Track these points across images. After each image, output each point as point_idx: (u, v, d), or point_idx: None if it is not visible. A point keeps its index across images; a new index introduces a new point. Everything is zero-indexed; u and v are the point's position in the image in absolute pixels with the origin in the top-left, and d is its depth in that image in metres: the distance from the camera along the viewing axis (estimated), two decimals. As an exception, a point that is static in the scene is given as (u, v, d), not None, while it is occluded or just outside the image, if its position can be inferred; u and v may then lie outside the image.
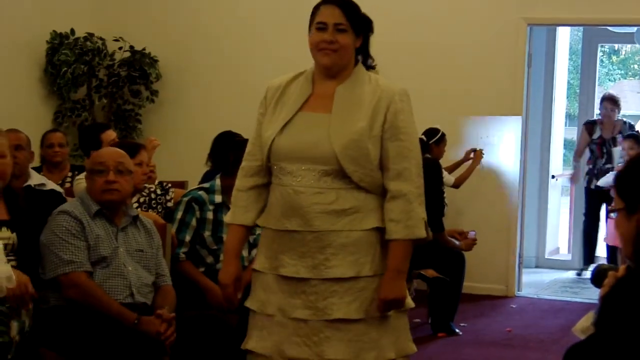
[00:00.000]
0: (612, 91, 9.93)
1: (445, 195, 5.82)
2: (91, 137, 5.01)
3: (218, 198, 4.01)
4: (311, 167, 2.68)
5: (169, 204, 4.52)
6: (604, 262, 7.09)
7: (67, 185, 4.91)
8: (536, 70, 7.54)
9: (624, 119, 7.74)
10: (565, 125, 9.20)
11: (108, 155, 3.49)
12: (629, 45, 13.87)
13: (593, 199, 7.64)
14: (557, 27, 8.10)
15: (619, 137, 7.40)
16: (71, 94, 6.99)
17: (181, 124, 7.34)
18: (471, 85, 6.77)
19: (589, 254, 7.82)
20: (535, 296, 7.00)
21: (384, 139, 2.70)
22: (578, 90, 9.39)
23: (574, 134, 8.34)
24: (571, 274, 7.86)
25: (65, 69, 6.73)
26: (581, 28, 8.78)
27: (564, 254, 8.81)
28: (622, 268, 1.97)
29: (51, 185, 4.42)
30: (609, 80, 15.53)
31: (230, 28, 7.27)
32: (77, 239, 3.29)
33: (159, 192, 4.57)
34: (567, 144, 9.16)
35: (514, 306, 6.59)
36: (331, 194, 2.67)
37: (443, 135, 6.19)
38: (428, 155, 5.80)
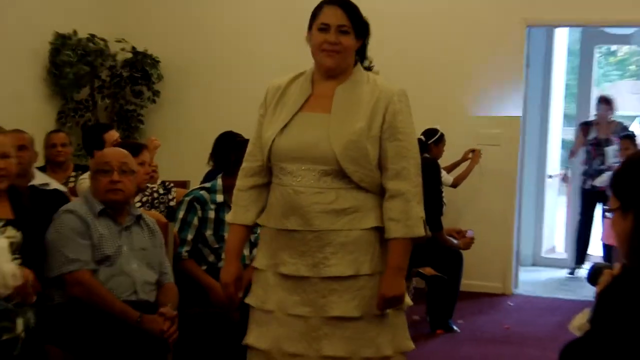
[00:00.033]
0: (609, 92, 9.92)
1: (443, 194, 5.82)
2: (94, 137, 5.03)
3: (220, 197, 4.03)
4: (311, 167, 2.69)
5: (171, 204, 4.53)
6: (598, 260, 7.10)
7: (71, 184, 4.92)
8: (534, 71, 7.55)
9: (618, 120, 7.74)
10: (563, 126, 9.19)
11: (112, 156, 3.50)
12: (626, 47, 13.84)
13: (587, 199, 7.65)
14: (555, 29, 8.11)
15: (614, 138, 7.42)
16: (74, 95, 7.00)
17: (183, 124, 7.35)
18: (470, 86, 6.78)
19: (581, 253, 7.83)
20: (532, 294, 7.01)
21: (382, 139, 2.70)
22: (575, 91, 9.39)
23: (571, 134, 8.34)
24: (567, 271, 7.86)
25: (68, 69, 6.73)
26: (579, 29, 8.78)
27: (560, 252, 8.82)
28: (617, 266, 1.99)
29: (55, 184, 4.43)
30: (606, 81, 15.51)
31: (230, 29, 7.28)
32: (82, 238, 3.30)
33: (161, 191, 4.59)
34: (564, 144, 9.16)
35: (511, 304, 6.60)
36: (331, 193, 2.68)
37: (442, 135, 6.20)
38: (427, 155, 5.80)
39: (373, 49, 2.95)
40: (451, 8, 6.81)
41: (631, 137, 7.23)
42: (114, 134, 5.08)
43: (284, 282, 2.73)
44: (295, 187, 2.69)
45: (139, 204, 4.33)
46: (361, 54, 2.82)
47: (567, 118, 9.52)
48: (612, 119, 7.59)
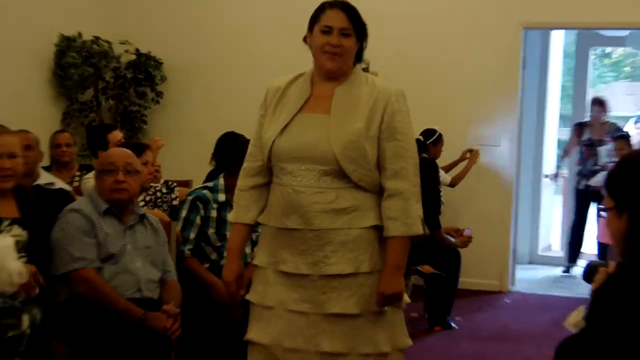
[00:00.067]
0: (604, 93, 9.93)
1: (441, 194, 5.82)
2: (98, 138, 5.03)
3: (222, 197, 4.03)
4: (311, 167, 2.69)
5: (174, 203, 4.53)
6: (593, 259, 7.11)
7: (76, 184, 4.92)
8: (530, 72, 7.55)
9: (612, 121, 7.74)
10: (559, 126, 9.20)
11: (117, 156, 3.50)
12: (620, 49, 13.86)
13: (581, 199, 7.66)
14: (551, 31, 8.11)
15: (607, 138, 7.42)
16: (79, 96, 6.99)
17: (185, 124, 7.35)
18: (467, 87, 6.78)
19: (574, 252, 7.83)
20: (529, 291, 7.01)
21: (381, 139, 2.70)
22: (571, 92, 9.39)
23: (567, 134, 8.33)
24: (561, 269, 7.86)
25: (73, 71, 6.73)
26: (574, 32, 8.78)
27: (557, 250, 8.82)
28: (612, 265, 1.99)
29: (60, 184, 4.43)
30: (601, 82, 15.51)
31: (232, 31, 7.28)
32: (87, 236, 3.31)
33: (164, 190, 4.59)
34: (560, 144, 9.15)
35: (508, 301, 6.60)
36: (331, 193, 2.68)
37: (440, 135, 6.20)
38: (425, 155, 5.81)
39: (372, 50, 2.95)
40: (450, 10, 6.81)
41: (626, 137, 7.24)
42: (117, 135, 5.08)
43: (284, 279, 2.73)
44: (295, 187, 2.69)
45: (142, 203, 4.33)
46: (358, 56, 2.82)
47: (563, 119, 9.53)
48: (605, 120, 7.59)
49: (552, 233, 9.11)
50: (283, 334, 2.71)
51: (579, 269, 7.56)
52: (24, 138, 3.91)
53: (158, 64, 7.25)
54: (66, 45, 6.79)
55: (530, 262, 8.37)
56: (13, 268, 2.86)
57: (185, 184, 5.16)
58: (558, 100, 9.06)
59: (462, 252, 5.72)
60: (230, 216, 2.92)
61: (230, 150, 4.12)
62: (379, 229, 2.72)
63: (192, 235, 3.97)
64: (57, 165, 5.23)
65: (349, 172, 2.66)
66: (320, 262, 2.68)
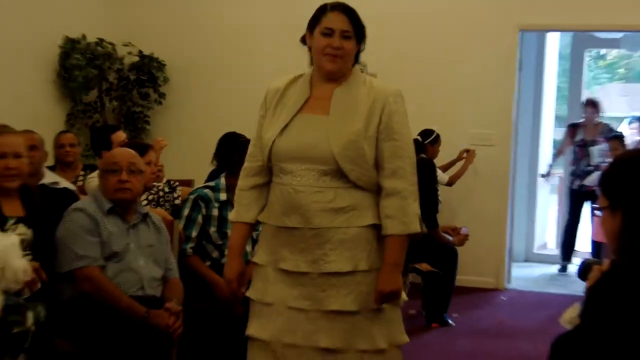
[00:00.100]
0: (599, 94, 9.93)
1: (439, 193, 5.83)
2: (102, 138, 5.03)
3: (223, 196, 4.03)
4: (310, 167, 2.68)
5: (177, 202, 4.53)
6: (587, 257, 7.11)
7: (80, 183, 4.92)
8: (527, 74, 7.55)
9: (605, 122, 7.74)
10: (554, 127, 9.20)
11: (121, 156, 3.51)
12: (614, 51, 13.85)
13: (575, 198, 7.66)
14: (547, 33, 8.10)
15: (600, 139, 7.42)
16: (83, 97, 7.00)
17: (187, 125, 7.35)
18: (464, 88, 6.78)
19: (567, 250, 7.83)
20: (524, 289, 7.01)
21: (379, 139, 2.70)
22: (566, 93, 9.39)
23: (562, 135, 8.34)
24: (557, 268, 7.86)
25: (77, 72, 6.73)
26: (570, 34, 8.79)
27: (552, 248, 8.82)
28: (606, 262, 1.99)
29: (64, 183, 4.43)
30: (596, 83, 15.51)
31: (233, 34, 7.28)
32: (91, 235, 3.31)
33: (166, 190, 4.59)
34: (556, 144, 9.16)
35: (504, 298, 6.60)
36: (330, 192, 2.68)
37: (438, 135, 6.21)
38: (423, 155, 5.81)
39: (371, 51, 2.95)
40: (447, 13, 6.81)
41: (620, 137, 7.24)
42: (121, 135, 5.09)
43: (284, 277, 2.73)
44: (295, 187, 2.69)
45: (145, 202, 4.33)
46: (355, 58, 2.82)
47: (559, 119, 9.52)
48: (599, 121, 7.59)
49: (547, 231, 9.11)
50: (283, 330, 2.71)
51: (573, 267, 7.55)
52: (29, 138, 3.90)
53: (161, 65, 7.25)
54: (70, 47, 6.79)
55: (526, 260, 8.37)
56: (18, 266, 2.85)
57: (187, 183, 5.16)
58: (553, 101, 9.05)
59: (459, 250, 5.72)
60: (231, 215, 2.92)
61: (231, 150, 4.12)
62: (377, 227, 2.72)
63: (194, 234, 3.97)
64: (61, 165, 5.23)
65: (347, 172, 2.66)
66: (320, 260, 2.68)
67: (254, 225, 2.90)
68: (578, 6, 6.58)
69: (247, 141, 3.03)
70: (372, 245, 2.72)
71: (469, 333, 5.43)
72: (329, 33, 2.70)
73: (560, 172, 8.44)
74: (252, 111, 2.88)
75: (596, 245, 7.26)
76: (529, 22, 6.74)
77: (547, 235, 9.08)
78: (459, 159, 6.69)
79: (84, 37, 6.90)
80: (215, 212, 4.01)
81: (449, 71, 6.80)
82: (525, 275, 7.58)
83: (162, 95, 7.30)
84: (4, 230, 3.03)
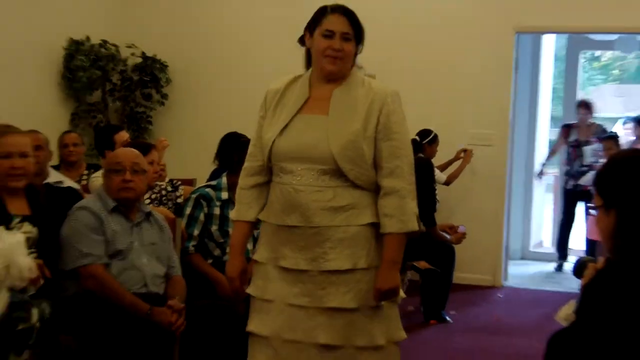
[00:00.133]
0: (594, 95, 9.94)
1: (437, 192, 5.83)
2: (105, 138, 5.03)
3: (224, 195, 4.02)
4: (310, 166, 2.68)
5: (179, 200, 4.53)
6: (582, 255, 7.11)
7: (84, 182, 4.92)
8: (523, 75, 7.55)
9: (598, 123, 7.74)
10: (550, 127, 9.20)
11: (124, 156, 3.51)
12: (609, 52, 13.86)
13: (569, 198, 7.67)
14: (543, 35, 8.10)
15: (593, 139, 7.43)
16: (87, 97, 7.00)
17: (189, 125, 7.35)
18: (462, 89, 6.78)
19: (562, 249, 7.83)
20: (521, 286, 7.01)
21: (377, 139, 2.70)
22: (562, 94, 9.40)
23: (557, 135, 8.34)
24: (554, 266, 7.86)
25: (81, 73, 6.73)
26: (565, 36, 8.79)
27: (548, 247, 8.83)
28: (601, 260, 1.99)
29: (69, 182, 4.43)
30: (591, 84, 15.52)
31: (234, 36, 7.28)
32: (96, 233, 3.31)
33: (169, 189, 4.58)
34: (551, 144, 9.17)
35: (500, 295, 6.60)
36: (329, 191, 2.68)
37: (435, 135, 6.21)
38: (421, 155, 5.81)
39: (370, 53, 2.94)
40: (446, 15, 6.81)
41: (614, 138, 7.24)
42: (124, 135, 5.08)
43: (285, 275, 2.73)
44: (295, 186, 2.69)
45: (148, 201, 4.33)
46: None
47: (554, 120, 9.53)
48: (591, 121, 7.59)
49: (543, 230, 9.11)
50: (283, 327, 2.71)
51: (569, 264, 7.56)
52: (34, 138, 3.90)
53: (163, 66, 7.25)
54: (75, 49, 6.79)
55: (522, 258, 8.38)
56: (23, 263, 2.86)
57: (189, 182, 5.16)
58: (549, 102, 9.06)
59: (457, 248, 5.72)
60: (232, 214, 2.92)
61: (232, 150, 4.12)
62: (375, 226, 2.72)
63: (196, 232, 3.97)
64: (65, 165, 5.23)
65: (346, 171, 2.66)
66: (320, 258, 2.68)
67: (255, 224, 2.89)
68: (573, 9, 6.58)
69: (248, 141, 3.02)
70: (370, 244, 2.72)
71: (466, 330, 5.43)
72: (329, 35, 2.70)
73: (555, 171, 8.45)
74: (253, 111, 2.88)
75: (590, 244, 7.27)
76: (525, 24, 6.74)
77: (543, 234, 9.08)
78: (456, 158, 6.69)
79: (88, 39, 6.90)
80: (216, 210, 4.01)
81: (446, 72, 6.80)
82: (521, 273, 7.58)
83: (165, 96, 7.30)
84: (9, 228, 3.03)
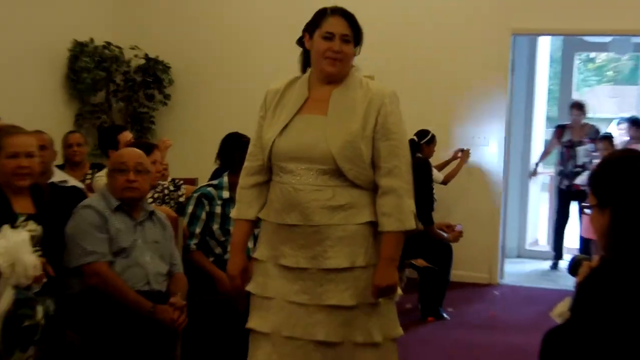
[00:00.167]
0: (588, 96, 9.93)
1: (434, 191, 5.83)
2: (109, 138, 5.03)
3: (226, 194, 4.03)
4: (310, 166, 2.68)
5: (181, 199, 4.53)
6: (577, 253, 7.11)
7: (88, 181, 4.92)
8: (519, 76, 7.55)
9: (592, 123, 7.74)
10: (546, 127, 9.19)
11: (128, 156, 3.51)
12: (603, 54, 13.86)
13: (563, 197, 7.67)
14: (538, 37, 8.10)
15: (586, 140, 7.42)
16: (91, 98, 7.00)
17: (191, 125, 7.35)
18: (459, 90, 6.78)
19: (558, 247, 7.83)
20: (517, 284, 7.00)
21: (375, 139, 2.70)
22: (557, 95, 9.39)
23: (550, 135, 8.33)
24: (549, 264, 7.86)
25: (85, 75, 6.73)
26: (560, 38, 8.79)
27: (543, 245, 8.82)
28: (596, 259, 1.99)
29: (73, 181, 4.43)
30: (586, 86, 15.51)
31: (235, 38, 7.28)
32: (100, 232, 3.31)
33: (171, 188, 4.58)
34: (547, 145, 9.17)
35: (496, 293, 6.60)
36: (328, 191, 2.68)
37: (433, 136, 6.21)
38: (419, 155, 5.81)
39: (369, 55, 2.94)
40: (444, 18, 6.81)
41: (609, 138, 7.25)
42: (127, 135, 5.08)
43: (285, 272, 2.73)
44: (295, 185, 2.69)
45: (150, 200, 4.33)
46: None
47: (550, 120, 9.53)
48: (584, 122, 7.58)
49: (539, 228, 9.11)
50: (282, 324, 2.71)
51: (564, 262, 7.56)
52: (39, 138, 3.90)
53: (166, 68, 7.25)
54: (79, 51, 6.80)
55: (518, 256, 8.37)
56: (28, 261, 2.86)
57: (191, 181, 5.16)
58: (545, 103, 9.05)
59: (454, 246, 5.72)
60: (233, 213, 2.91)
61: (233, 150, 4.12)
62: (373, 224, 2.72)
63: (197, 230, 3.97)
64: (70, 164, 5.23)
65: (345, 171, 2.66)
66: (319, 256, 2.68)
67: (256, 222, 2.89)
68: (568, 11, 6.59)
69: (249, 141, 3.03)
70: (369, 242, 2.72)
71: (463, 326, 5.44)
72: (329, 37, 2.70)
73: (551, 171, 8.44)
74: (254, 112, 2.88)
75: (584, 242, 7.28)
76: (521, 27, 6.74)
77: (539, 232, 9.08)
78: (453, 158, 6.69)
79: (92, 40, 6.90)
80: (218, 209, 4.01)
81: (444, 73, 6.80)
82: (517, 271, 7.58)
83: (167, 97, 7.30)
84: (14, 227, 3.03)
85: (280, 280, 2.73)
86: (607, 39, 8.51)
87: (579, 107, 7.54)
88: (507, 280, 7.06)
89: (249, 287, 2.83)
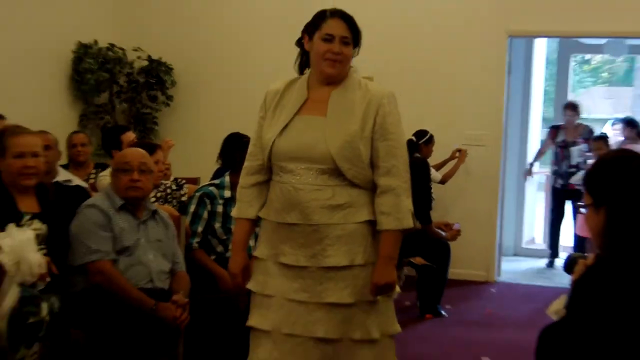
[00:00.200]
0: (584, 97, 9.93)
1: (432, 190, 5.83)
2: (112, 138, 5.03)
3: (227, 193, 4.03)
4: (309, 166, 2.68)
5: (183, 199, 4.53)
6: (571, 251, 7.11)
7: (91, 181, 4.92)
8: (515, 78, 7.55)
9: (585, 124, 7.74)
10: (542, 128, 9.20)
11: (132, 156, 3.51)
12: (598, 56, 13.86)
13: (558, 197, 7.67)
14: (535, 39, 8.10)
15: (580, 140, 7.43)
16: (95, 99, 7.00)
17: (193, 126, 7.35)
18: (457, 92, 6.78)
19: (554, 245, 7.83)
20: (513, 281, 7.00)
21: (374, 139, 2.70)
22: (553, 96, 9.39)
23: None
24: (545, 262, 7.86)
25: (89, 76, 6.73)
26: (556, 40, 8.79)
27: (539, 243, 8.83)
28: (591, 257, 1.99)
29: (77, 181, 4.43)
30: (581, 87, 15.52)
31: (237, 41, 7.28)
32: (104, 230, 3.31)
33: (174, 187, 4.59)
34: (542, 144, 9.17)
35: (493, 290, 6.60)
36: (328, 190, 2.68)
37: (431, 136, 6.21)
38: (417, 155, 5.81)
39: (368, 57, 2.94)
40: (442, 20, 6.80)
41: (604, 138, 7.25)
42: (130, 135, 5.08)
43: (285, 271, 2.72)
44: (294, 185, 2.69)
45: (153, 199, 4.33)
46: None
47: (546, 121, 9.53)
48: (578, 122, 7.58)
49: (535, 227, 9.11)
50: (283, 321, 2.70)
51: (560, 260, 7.56)
52: (44, 138, 3.90)
53: (168, 69, 7.25)
54: (83, 52, 6.79)
55: (515, 254, 8.37)
56: (33, 260, 2.86)
57: (194, 181, 5.16)
58: (541, 104, 9.05)
59: (452, 244, 5.72)
60: (234, 212, 2.91)
61: (235, 150, 4.12)
62: (372, 223, 2.72)
63: (199, 229, 3.97)
64: (74, 164, 5.23)
65: (344, 171, 2.66)
66: (319, 255, 2.68)
67: (256, 221, 2.89)
68: (564, 14, 6.59)
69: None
70: (367, 241, 2.72)
71: (461, 323, 5.43)
72: (329, 39, 2.70)
73: (546, 170, 8.44)
74: (255, 112, 2.88)
75: (578, 240, 7.29)
76: (518, 29, 6.74)
77: (535, 231, 9.08)
78: (451, 158, 6.69)
79: (95, 42, 6.90)
80: (220, 208, 4.01)
81: (442, 75, 6.80)
82: (514, 269, 7.58)
83: (170, 98, 7.30)
84: (20, 225, 3.03)
85: (280, 278, 2.73)
86: (602, 41, 8.51)
87: (572, 107, 7.55)
88: (504, 278, 7.06)
89: (250, 285, 2.83)
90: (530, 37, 7.70)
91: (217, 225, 3.99)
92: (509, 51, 6.80)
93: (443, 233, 5.69)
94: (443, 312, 5.62)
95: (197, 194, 4.05)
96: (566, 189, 7.44)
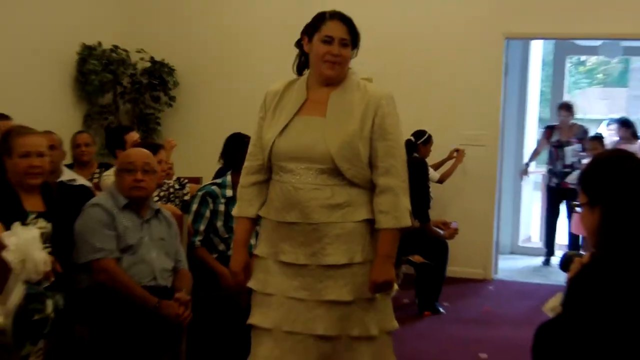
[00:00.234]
0: (579, 98, 9.93)
1: (431, 190, 5.83)
2: (116, 138, 5.03)
3: (229, 192, 4.03)
4: (309, 166, 2.68)
5: (186, 198, 4.53)
6: (566, 249, 7.11)
7: (95, 180, 4.92)
8: (512, 79, 7.55)
9: (579, 124, 7.74)
10: (538, 128, 9.20)
11: (136, 156, 3.51)
12: (594, 57, 13.87)
13: (553, 196, 7.67)
14: (531, 41, 8.10)
15: (574, 140, 7.42)
16: (99, 100, 7.00)
17: (196, 126, 7.35)
18: (454, 92, 6.78)
19: (549, 244, 7.83)
20: (510, 279, 7.01)
21: (372, 139, 2.70)
22: (549, 97, 9.39)
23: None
24: (541, 260, 7.86)
25: (93, 77, 6.73)
26: (552, 41, 8.78)
27: (536, 242, 8.82)
28: (586, 255, 1.99)
29: (81, 180, 4.43)
30: (577, 88, 15.51)
31: (238, 43, 7.28)
32: (108, 229, 3.31)
33: (176, 186, 4.58)
34: (538, 144, 9.17)
35: (491, 288, 6.60)
36: (327, 190, 2.68)
37: (430, 136, 6.21)
38: (416, 155, 5.81)
39: (367, 59, 2.94)
40: (440, 22, 6.81)
41: (599, 138, 7.25)
42: (134, 135, 5.08)
43: (285, 269, 2.72)
44: (294, 184, 2.69)
45: (156, 198, 4.33)
46: None
47: (542, 121, 9.53)
48: (573, 122, 7.58)
49: (531, 226, 9.11)
50: (283, 319, 2.70)
51: (556, 259, 7.56)
52: (49, 138, 3.90)
53: (171, 70, 7.25)
54: (87, 54, 6.79)
55: (512, 253, 8.37)
56: (38, 258, 2.86)
57: (196, 180, 5.16)
58: (537, 105, 9.05)
59: (450, 243, 5.72)
60: (234, 211, 2.91)
61: (236, 150, 4.11)
62: (370, 222, 2.71)
63: (202, 228, 3.97)
64: (78, 163, 5.22)
65: (343, 170, 2.66)
66: (318, 253, 2.68)
67: (257, 220, 2.89)
68: (560, 16, 6.58)
69: (251, 141, 3.02)
70: (366, 239, 2.72)
71: (459, 321, 5.43)
72: (328, 41, 2.70)
73: (542, 170, 8.44)
74: (256, 112, 2.88)
75: (573, 238, 7.28)
76: (514, 31, 6.74)
77: (532, 230, 9.08)
78: (449, 158, 6.69)
79: (99, 44, 6.90)
80: (221, 207, 4.01)
81: (440, 76, 6.80)
82: (510, 267, 7.58)
83: (172, 98, 7.30)
84: (25, 224, 3.03)
85: (280, 276, 2.73)
86: (598, 43, 8.51)
87: (567, 108, 7.54)
88: (501, 275, 7.06)
89: (250, 284, 2.82)
90: (526, 39, 7.70)
91: (219, 223, 4.00)
92: (505, 53, 6.80)
93: (441, 232, 5.69)
94: (441, 310, 5.62)
95: (200, 193, 4.05)
96: (561, 188, 7.44)
